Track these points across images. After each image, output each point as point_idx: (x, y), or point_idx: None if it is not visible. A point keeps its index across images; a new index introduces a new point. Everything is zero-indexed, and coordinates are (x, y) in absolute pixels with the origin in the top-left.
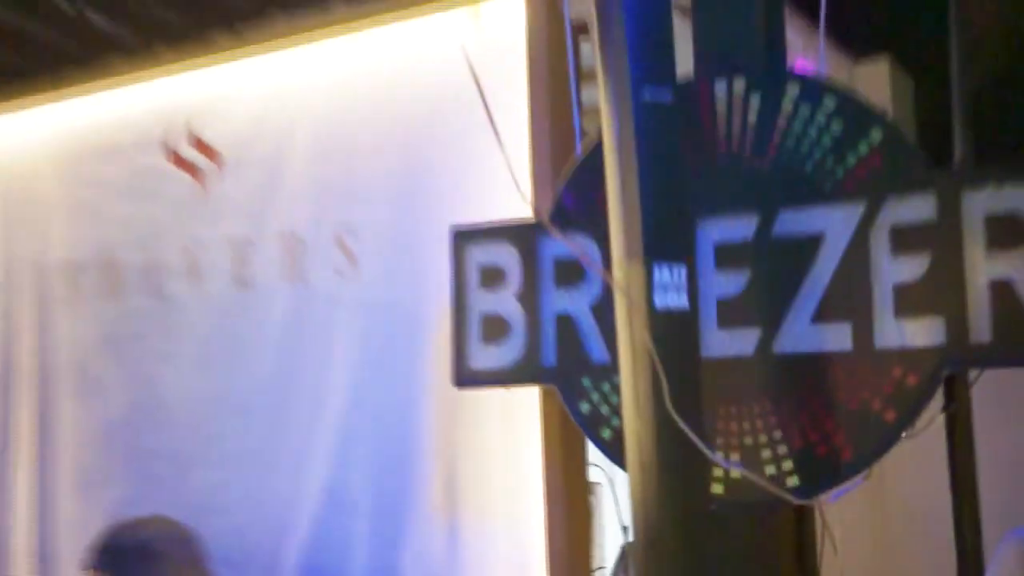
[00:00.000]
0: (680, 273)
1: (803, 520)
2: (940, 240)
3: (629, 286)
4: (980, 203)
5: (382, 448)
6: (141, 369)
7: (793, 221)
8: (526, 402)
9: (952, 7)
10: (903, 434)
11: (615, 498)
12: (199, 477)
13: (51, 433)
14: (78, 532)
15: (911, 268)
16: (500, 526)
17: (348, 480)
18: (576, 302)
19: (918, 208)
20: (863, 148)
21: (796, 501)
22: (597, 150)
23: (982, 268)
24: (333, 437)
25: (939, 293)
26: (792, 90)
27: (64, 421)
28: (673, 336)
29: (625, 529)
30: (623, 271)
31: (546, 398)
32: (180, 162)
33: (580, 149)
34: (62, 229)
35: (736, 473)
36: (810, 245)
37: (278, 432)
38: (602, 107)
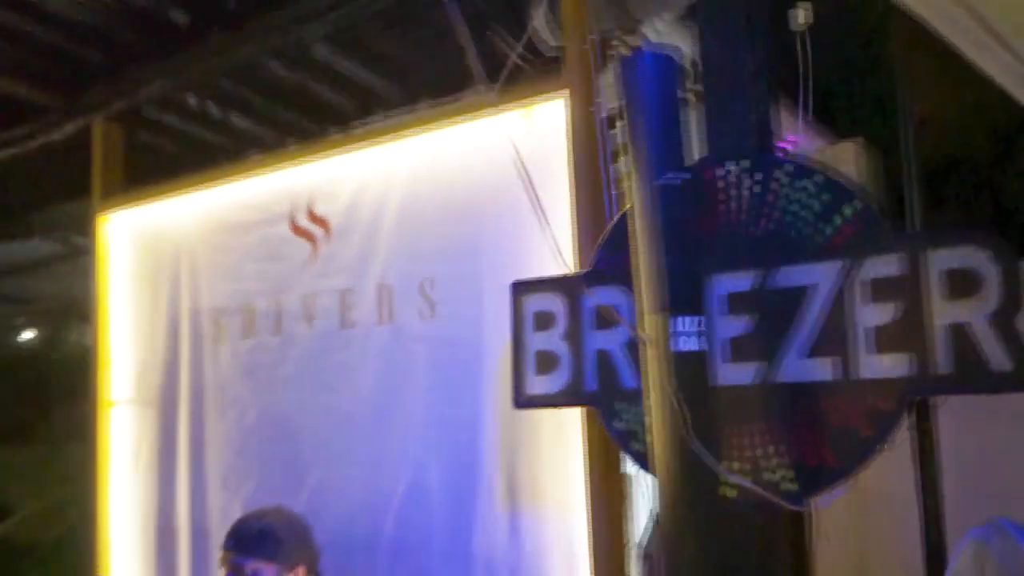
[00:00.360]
0: (695, 322)
1: (798, 514)
2: (907, 291)
3: (654, 335)
4: (940, 261)
5: (456, 454)
6: (269, 391)
7: (787, 276)
8: (572, 420)
9: (900, 100)
10: (879, 448)
11: (644, 486)
12: (313, 475)
13: (202, 441)
14: (223, 516)
15: (883, 314)
16: (551, 515)
17: (429, 479)
18: (611, 341)
19: (888, 265)
20: (843, 216)
21: (790, 506)
22: (624, 219)
23: (942, 314)
24: (416, 445)
25: (907, 334)
26: (785, 170)
27: (211, 432)
28: (690, 373)
29: (653, 512)
30: (649, 322)
31: (588, 417)
32: (299, 231)
33: (612, 218)
34: (211, 284)
35: (732, 476)
36: (801, 295)
37: (374, 440)
38: (629, 190)
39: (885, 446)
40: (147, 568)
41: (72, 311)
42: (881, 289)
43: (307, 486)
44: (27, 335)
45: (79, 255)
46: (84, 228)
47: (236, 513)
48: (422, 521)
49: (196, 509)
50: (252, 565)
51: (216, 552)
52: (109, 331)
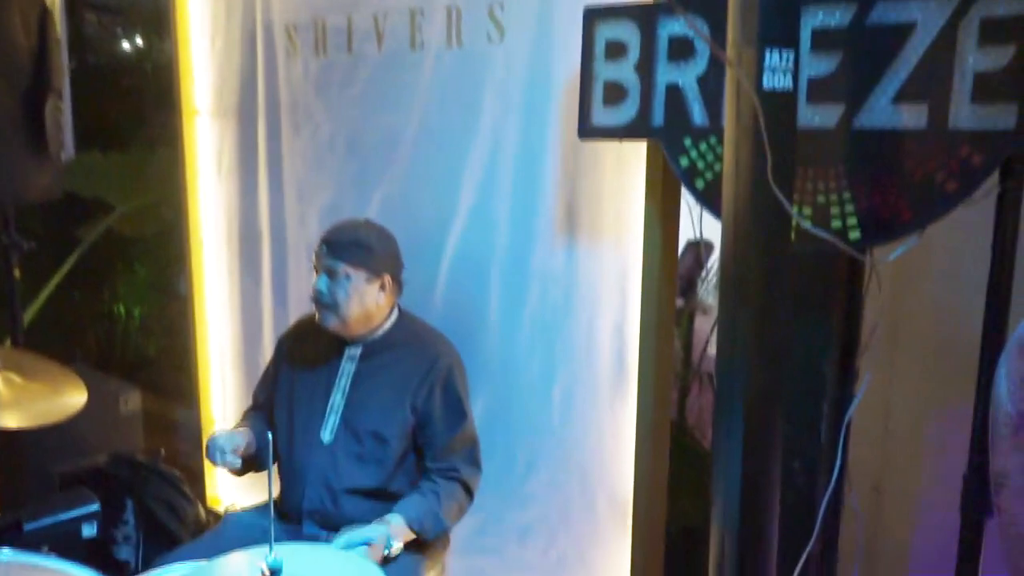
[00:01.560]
0: (788, 57)
1: (858, 263)
2: None
3: (742, 67)
4: None
5: (517, 179)
6: (340, 109)
7: (888, 10)
8: (635, 153)
9: None
10: (959, 203)
11: (691, 218)
12: (383, 190)
13: (278, 153)
14: (300, 224)
15: (994, 58)
16: (608, 245)
17: (490, 202)
18: (684, 74)
19: (1010, 3)
20: None
21: (854, 253)
22: None
23: None
24: (480, 167)
25: (1017, 83)
26: None
27: (287, 145)
28: (776, 113)
29: (688, 241)
30: (738, 53)
31: (652, 151)
32: None
33: None
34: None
35: (807, 224)
36: (901, 33)
37: (439, 159)
38: None
39: (965, 201)
40: (234, 265)
41: (164, 23)
42: (997, 30)
43: (376, 201)
44: (124, 45)
45: None
46: None
47: (312, 222)
48: (483, 241)
49: (274, 216)
50: (344, 269)
51: (293, 256)
52: (189, 43)
